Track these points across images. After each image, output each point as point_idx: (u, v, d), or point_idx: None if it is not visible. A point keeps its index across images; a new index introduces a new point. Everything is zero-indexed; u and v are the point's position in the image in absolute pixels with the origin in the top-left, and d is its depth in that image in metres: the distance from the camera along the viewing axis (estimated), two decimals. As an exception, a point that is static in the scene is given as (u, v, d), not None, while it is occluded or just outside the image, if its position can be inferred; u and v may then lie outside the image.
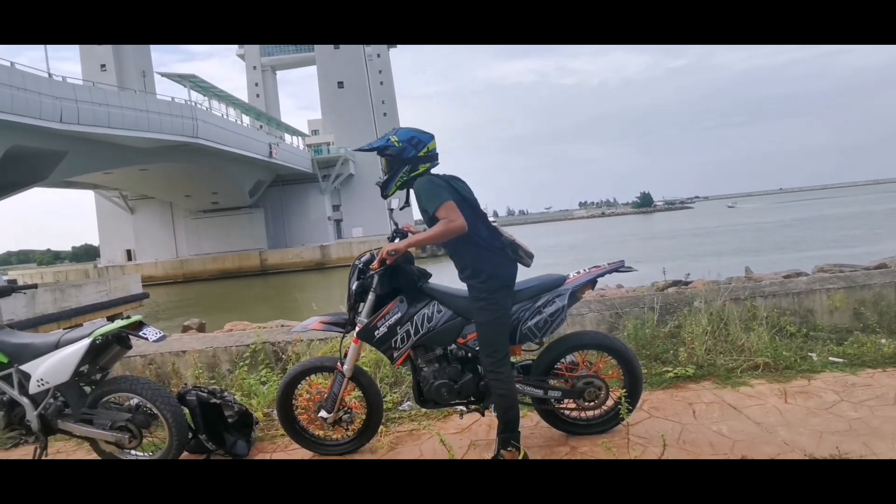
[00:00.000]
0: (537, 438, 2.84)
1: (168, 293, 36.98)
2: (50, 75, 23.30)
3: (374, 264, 2.62)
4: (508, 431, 2.53)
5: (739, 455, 2.45)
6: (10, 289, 3.16)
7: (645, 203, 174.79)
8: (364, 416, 2.91)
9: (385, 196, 2.71)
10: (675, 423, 2.85)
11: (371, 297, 2.68)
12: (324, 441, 2.94)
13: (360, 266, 2.74)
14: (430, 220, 2.53)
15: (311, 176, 51.36)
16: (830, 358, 3.57)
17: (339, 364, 2.80)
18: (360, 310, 2.73)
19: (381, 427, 2.99)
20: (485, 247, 2.54)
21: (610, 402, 2.82)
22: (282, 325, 6.48)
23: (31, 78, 21.59)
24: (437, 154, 2.65)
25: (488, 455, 2.67)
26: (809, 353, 3.66)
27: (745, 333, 3.79)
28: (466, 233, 2.43)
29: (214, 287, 39.42)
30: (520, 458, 2.51)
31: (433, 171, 2.63)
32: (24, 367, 2.74)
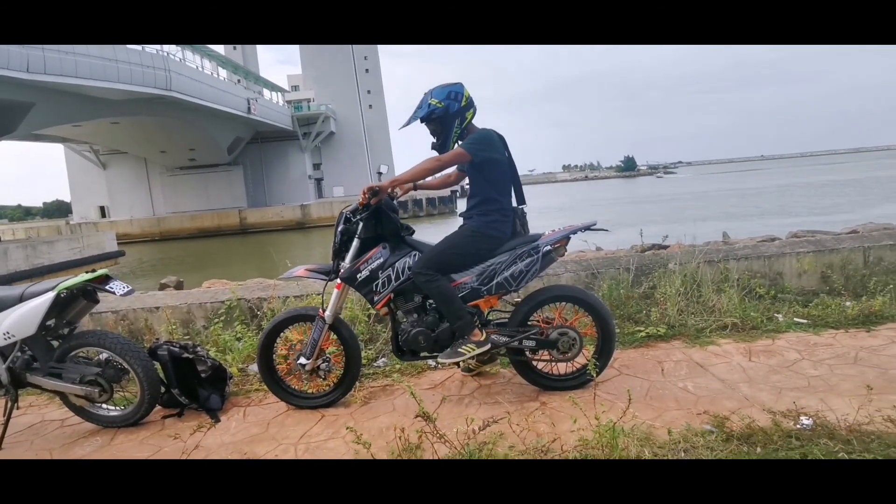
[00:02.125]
0: (510, 394, 2.89)
1: (144, 251, 36.36)
2: (11, 20, 22.02)
3: (360, 201, 2.74)
4: (460, 319, 2.71)
5: (702, 409, 2.53)
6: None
7: (629, 167, 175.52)
8: (342, 371, 2.94)
9: (446, 149, 2.86)
10: (644, 381, 2.92)
11: (356, 242, 2.80)
12: (300, 393, 2.97)
13: (346, 214, 2.83)
14: (478, 165, 2.78)
15: (291, 133, 50.18)
16: (795, 319, 3.67)
17: (320, 311, 2.84)
18: (344, 258, 2.81)
19: (357, 382, 3.02)
20: (501, 201, 2.82)
21: (582, 360, 2.89)
22: (260, 283, 6.44)
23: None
24: (472, 99, 2.88)
25: (459, 409, 2.72)
26: (776, 314, 3.76)
27: (717, 295, 3.87)
28: (496, 180, 2.78)
29: (193, 246, 38.83)
30: (482, 338, 2.71)
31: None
32: (-13, 321, 2.68)
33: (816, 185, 52.62)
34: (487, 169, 2.79)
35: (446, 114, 2.79)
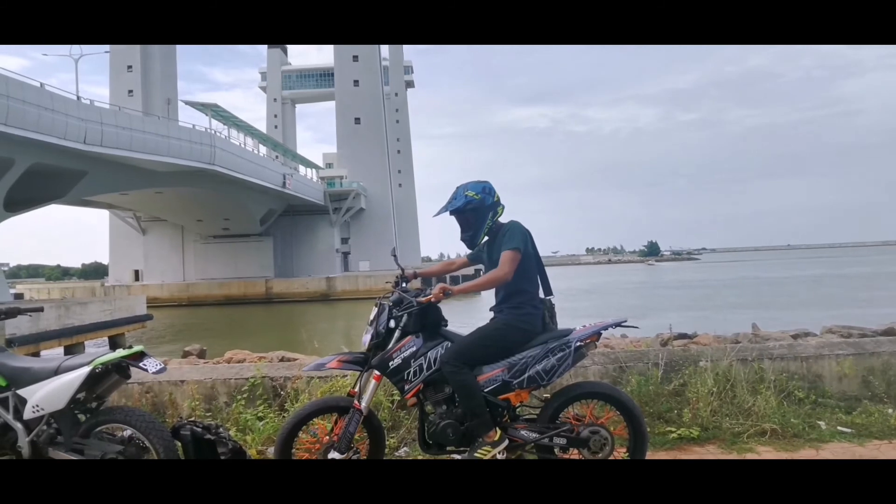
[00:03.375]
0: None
1: (172, 316, 36.94)
2: (78, 98, 24.07)
3: (428, 298, 2.78)
4: (478, 417, 2.65)
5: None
6: (17, 310, 3.18)
7: (652, 252, 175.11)
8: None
9: (474, 246, 2.99)
10: (678, 489, 2.76)
11: (398, 334, 2.81)
12: None
13: (388, 305, 2.86)
14: (490, 258, 2.86)
15: (322, 208, 52.02)
16: (839, 427, 3.48)
17: (355, 402, 2.79)
18: (382, 348, 2.81)
19: (376, 474, 2.92)
20: (532, 293, 2.86)
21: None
22: (282, 358, 6.44)
23: (59, 99, 22.30)
24: (500, 197, 2.96)
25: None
26: (818, 422, 3.57)
27: (752, 396, 3.71)
28: (526, 272, 2.81)
29: (218, 312, 39.38)
30: (496, 438, 2.65)
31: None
32: (21, 392, 2.73)
33: (848, 276, 51.33)
34: (521, 262, 2.82)
35: (482, 206, 2.86)
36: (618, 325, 2.86)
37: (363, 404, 2.78)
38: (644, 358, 4.20)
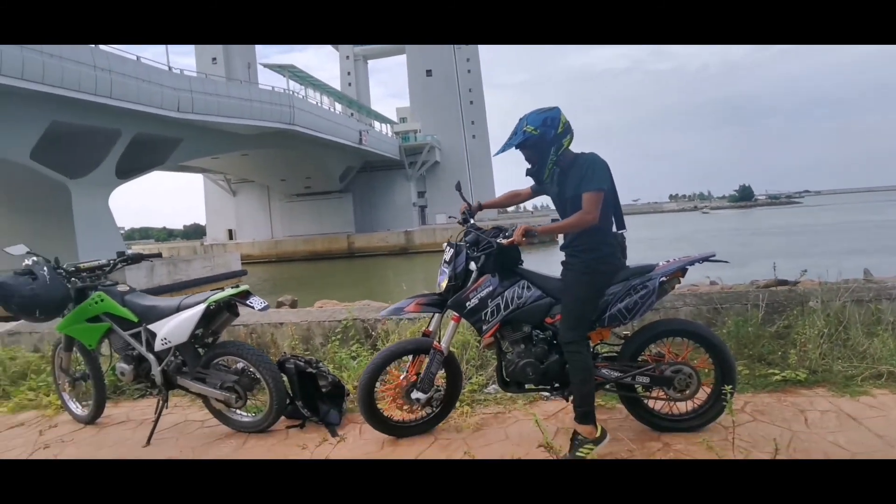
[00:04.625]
0: (626, 431, 2.74)
1: (262, 271, 39.62)
2: (170, 68, 25.52)
3: (512, 240, 2.65)
4: (585, 405, 2.55)
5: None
6: (140, 256, 3.54)
7: (745, 196, 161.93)
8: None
9: (541, 182, 2.78)
10: (784, 430, 2.63)
11: (475, 274, 2.79)
12: (401, 423, 2.94)
13: (464, 246, 2.83)
14: (573, 198, 2.60)
15: (397, 163, 52.66)
16: (974, 372, 3.13)
17: (435, 343, 2.85)
18: (458, 289, 2.79)
19: (467, 408, 3.03)
20: (606, 232, 2.66)
21: (700, 398, 2.70)
22: (367, 305, 6.74)
23: (154, 71, 23.79)
24: (569, 124, 2.67)
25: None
26: (947, 366, 3.23)
27: (868, 339, 3.42)
28: (602, 212, 2.56)
29: (304, 267, 41.68)
30: (597, 435, 2.52)
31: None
32: (151, 327, 3.06)
33: None
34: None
35: (542, 141, 2.60)
36: (705, 259, 2.68)
37: (443, 345, 2.82)
38: (742, 299, 3.96)
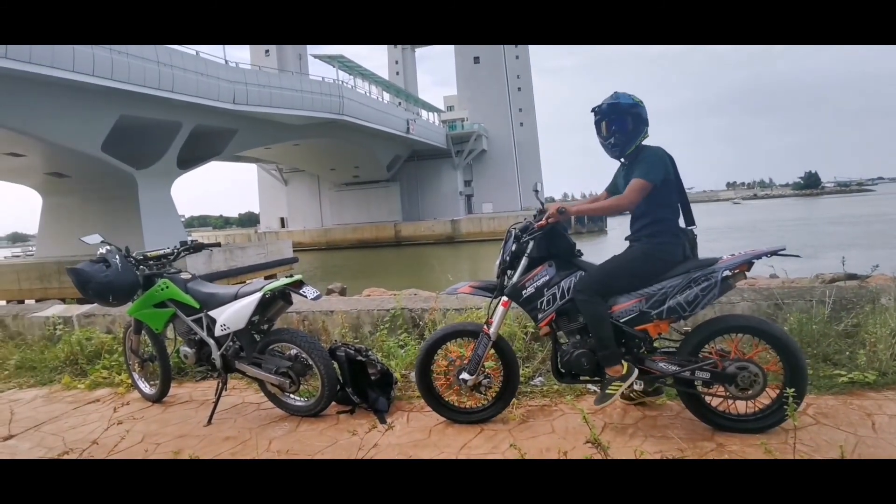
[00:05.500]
0: (679, 430, 2.67)
1: (313, 258, 40.73)
2: (226, 62, 26.42)
3: (542, 222, 2.74)
4: (606, 349, 2.61)
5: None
6: (201, 245, 3.72)
7: (810, 184, 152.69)
8: (499, 386, 2.97)
9: (620, 157, 2.81)
10: (850, 434, 2.50)
11: (525, 260, 2.80)
12: (456, 407, 3.03)
13: (515, 232, 2.85)
14: (624, 184, 2.70)
15: (444, 151, 52.68)
16: None
17: (484, 327, 2.88)
18: (510, 276, 2.84)
19: (514, 400, 3.03)
20: (671, 220, 2.70)
21: (766, 399, 2.58)
22: (415, 294, 6.83)
23: (211, 65, 24.69)
24: None
25: (624, 440, 2.59)
26: None
27: (948, 340, 3.18)
28: (666, 200, 2.66)
29: (353, 255, 42.58)
30: (624, 372, 2.61)
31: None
32: (211, 313, 3.22)
33: None
34: (658, 189, 2.64)
35: (641, 114, 2.72)
36: (774, 253, 2.55)
37: (492, 330, 2.84)
38: (806, 295, 3.76)
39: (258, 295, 3.09)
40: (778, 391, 2.56)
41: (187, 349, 3.36)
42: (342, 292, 14.13)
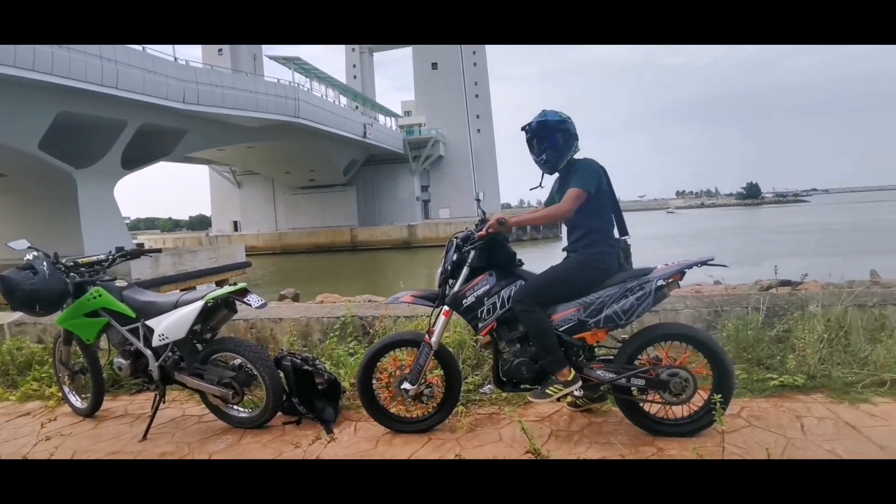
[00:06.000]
0: (620, 435, 2.73)
1: (267, 263, 39.75)
2: (175, 59, 25.52)
3: (482, 232, 2.76)
4: (551, 355, 2.65)
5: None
6: (140, 252, 3.55)
7: (751, 194, 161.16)
8: (442, 395, 2.96)
9: (553, 172, 2.88)
10: (779, 436, 2.62)
11: (466, 270, 2.82)
12: (400, 417, 2.99)
13: (457, 241, 2.86)
14: (560, 196, 2.76)
15: (401, 156, 52.59)
16: (976, 380, 3.10)
17: (426, 337, 2.87)
18: (452, 285, 2.84)
19: (462, 408, 3.03)
20: (606, 234, 2.77)
21: (698, 403, 2.69)
22: (369, 300, 6.75)
23: (159, 62, 23.79)
24: None
25: (569, 447, 2.63)
26: (949, 374, 3.20)
27: (871, 345, 3.39)
28: (597, 214, 2.73)
29: (308, 260, 41.79)
30: (570, 378, 2.65)
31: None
32: (148, 323, 3.07)
33: None
34: (592, 200, 2.71)
35: (570, 131, 2.79)
36: (704, 263, 2.68)
37: (433, 339, 2.83)
38: (743, 302, 3.94)
39: (200, 303, 2.98)
40: (709, 394, 2.67)
41: (122, 360, 3.20)
42: (295, 298, 13.78)
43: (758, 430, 2.69)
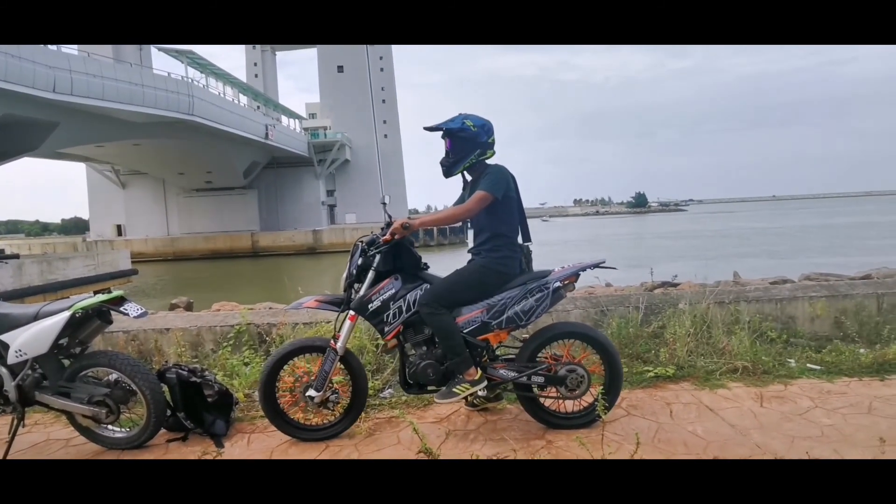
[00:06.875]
0: (516, 431, 2.86)
1: (158, 270, 36.73)
2: (45, 44, 22.87)
3: (387, 236, 2.76)
4: (457, 355, 2.72)
5: (712, 456, 2.49)
6: (-8, 258, 3.13)
7: (639, 203, 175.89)
8: (348, 401, 2.92)
9: (449, 176, 2.92)
10: (652, 422, 2.88)
11: (371, 274, 2.81)
12: (304, 426, 2.92)
13: (362, 245, 2.85)
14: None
15: (306, 160, 51.01)
16: (808, 364, 3.62)
17: (332, 342, 2.82)
18: (357, 290, 2.83)
19: (362, 413, 3.00)
20: (510, 237, 2.87)
21: (590, 398, 2.88)
22: (270, 308, 6.47)
23: (24, 46, 21.20)
24: (495, 142, 2.91)
25: (464, 445, 2.70)
26: (788, 360, 3.70)
27: (727, 337, 3.83)
28: (506, 217, 2.82)
29: (206, 267, 39.19)
30: (476, 378, 2.73)
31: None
32: (2, 338, 2.72)
33: (834, 226, 52.25)
34: (500, 206, 2.82)
35: (473, 139, 2.82)
36: (596, 266, 2.90)
37: (339, 344, 2.81)
38: (625, 302, 4.28)
39: (66, 314, 2.69)
40: (602, 388, 2.87)
41: (-30, 381, 2.80)
42: (188, 307, 12.88)
43: (634, 419, 2.94)
